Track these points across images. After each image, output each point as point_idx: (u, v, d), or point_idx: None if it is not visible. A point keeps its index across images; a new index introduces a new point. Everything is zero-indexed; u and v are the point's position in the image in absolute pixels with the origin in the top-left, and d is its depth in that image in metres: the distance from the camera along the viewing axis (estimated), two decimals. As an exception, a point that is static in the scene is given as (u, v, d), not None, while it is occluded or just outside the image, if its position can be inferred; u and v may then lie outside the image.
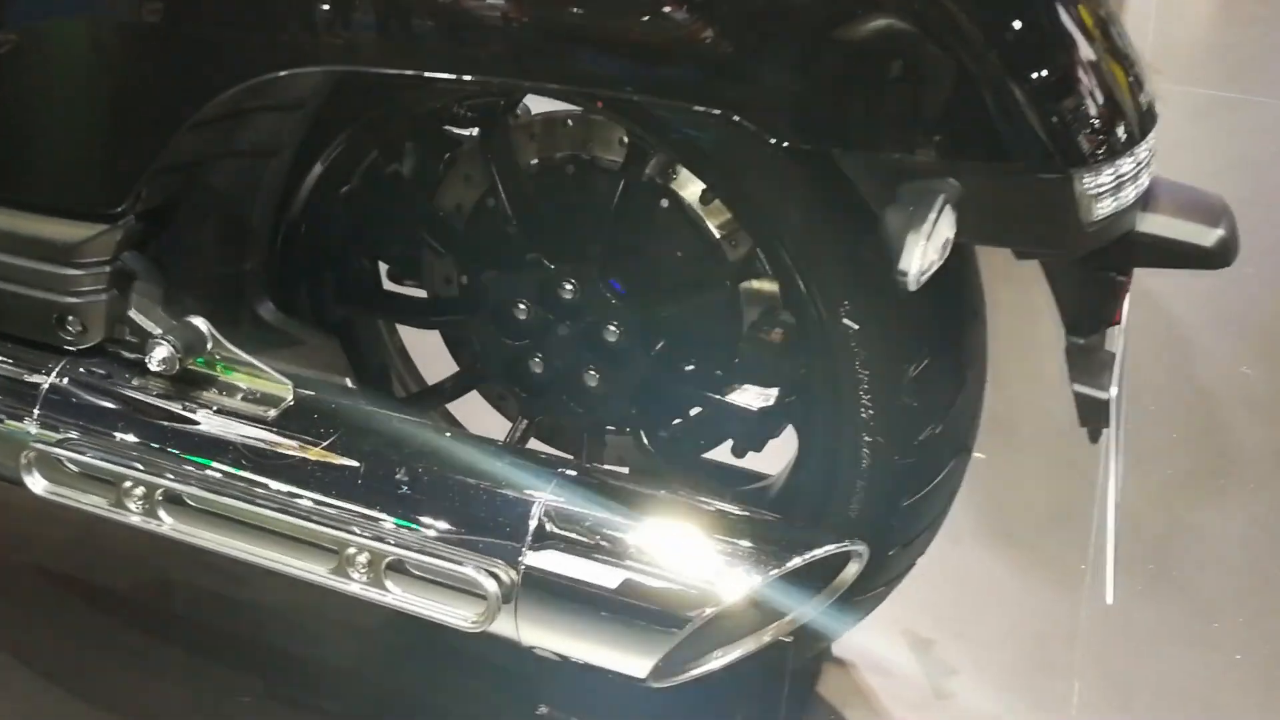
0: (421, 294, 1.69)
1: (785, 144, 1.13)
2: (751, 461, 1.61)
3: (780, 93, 1.10)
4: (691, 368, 1.55)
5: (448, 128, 1.63)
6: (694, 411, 1.60)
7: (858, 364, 1.31)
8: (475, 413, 1.74)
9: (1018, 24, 1.08)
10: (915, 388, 1.31)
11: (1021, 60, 1.08)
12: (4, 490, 1.38)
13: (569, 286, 1.52)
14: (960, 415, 1.37)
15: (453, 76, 1.18)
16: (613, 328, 1.53)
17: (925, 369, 1.30)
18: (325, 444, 1.25)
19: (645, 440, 1.57)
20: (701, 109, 1.14)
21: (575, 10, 1.11)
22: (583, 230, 1.52)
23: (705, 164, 1.30)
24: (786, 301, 1.35)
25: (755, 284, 1.50)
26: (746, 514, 1.22)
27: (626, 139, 1.50)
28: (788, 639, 1.35)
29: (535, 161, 1.56)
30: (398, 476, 1.23)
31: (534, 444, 1.68)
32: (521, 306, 1.56)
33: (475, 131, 1.58)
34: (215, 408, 1.30)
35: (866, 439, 1.34)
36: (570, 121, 1.54)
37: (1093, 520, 2.09)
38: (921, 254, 1.00)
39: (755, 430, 1.56)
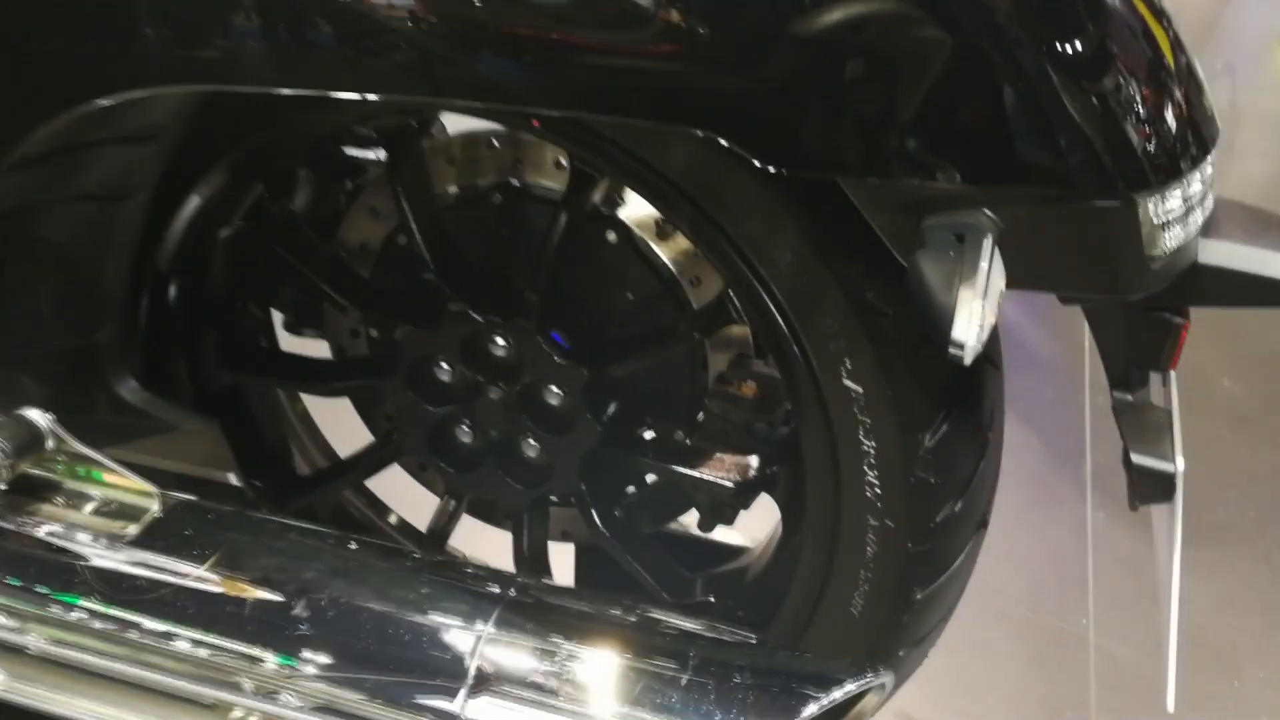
0: (324, 352, 1.42)
1: (779, 171, 0.89)
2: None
3: (773, 109, 0.86)
4: (649, 434, 1.31)
5: (349, 151, 1.36)
6: (651, 481, 1.35)
7: (862, 434, 1.07)
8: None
9: (1063, 22, 0.85)
10: (933, 460, 1.07)
11: (1070, 64, 0.85)
12: None
13: (500, 342, 1.27)
14: (981, 486, 1.14)
15: (351, 96, 0.91)
16: (554, 389, 1.27)
17: (944, 437, 1.07)
18: (203, 568, 0.98)
19: (596, 518, 1.32)
20: (676, 130, 0.90)
21: (512, 8, 0.85)
22: (515, 273, 1.26)
23: (670, 193, 1.04)
24: (775, 359, 1.11)
25: (722, 330, 1.27)
26: (736, 642, 0.97)
27: (565, 161, 1.25)
28: None
29: (454, 190, 1.30)
30: (296, 610, 0.96)
31: (467, 528, 1.43)
32: (444, 367, 1.30)
33: (381, 156, 1.32)
34: (59, 525, 1.02)
35: (873, 523, 1.11)
36: (496, 142, 1.28)
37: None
38: (979, 318, 0.76)
39: (725, 503, 1.32)
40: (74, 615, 0.99)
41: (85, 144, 1.00)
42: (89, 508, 1.04)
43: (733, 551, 1.44)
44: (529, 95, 0.89)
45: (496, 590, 0.97)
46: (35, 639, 0.99)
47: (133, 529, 1.02)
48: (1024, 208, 0.87)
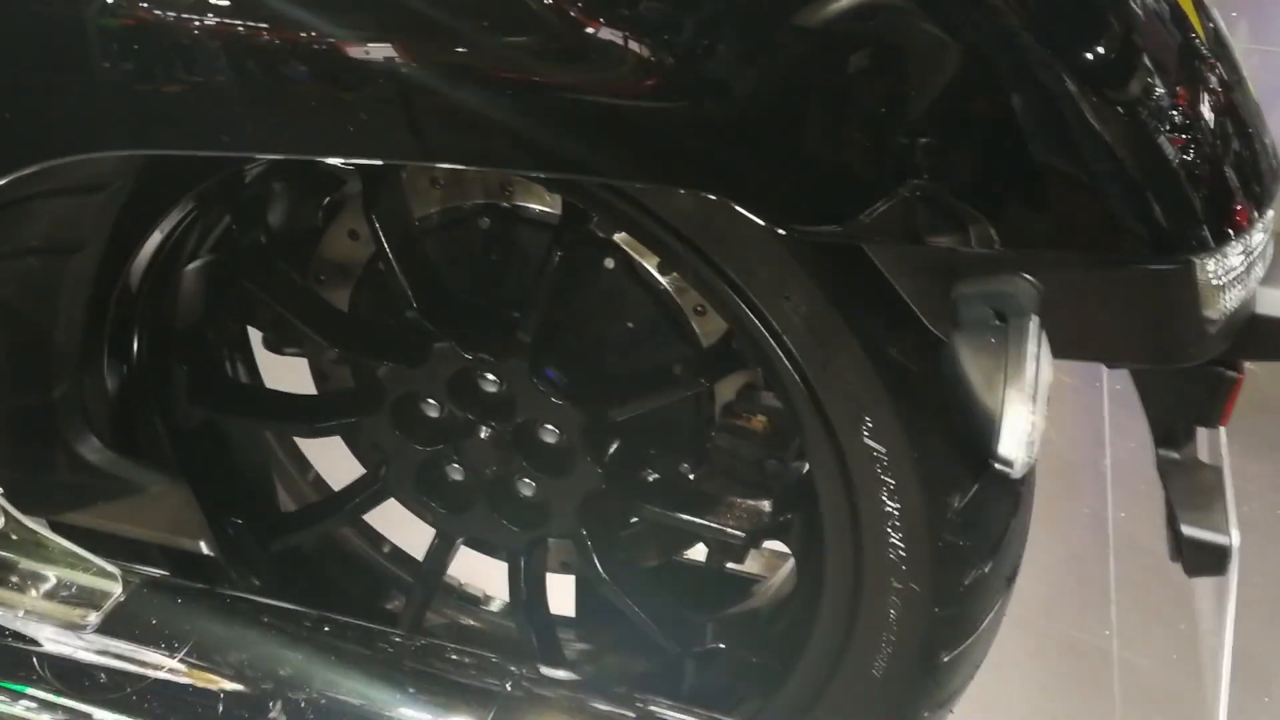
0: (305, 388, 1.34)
1: (795, 235, 0.79)
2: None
3: (786, 171, 0.76)
4: (652, 473, 1.22)
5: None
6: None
7: (885, 495, 0.99)
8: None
9: (1112, 70, 0.75)
10: (962, 522, 0.99)
11: (1120, 115, 0.75)
12: None
13: (491, 379, 1.18)
14: (1011, 544, 1.06)
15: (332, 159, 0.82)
16: (550, 428, 1.19)
17: (975, 497, 0.98)
18: (174, 661, 0.90)
19: (597, 564, 1.24)
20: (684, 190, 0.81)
21: (510, 71, 0.75)
22: (505, 303, 1.17)
23: (672, 243, 0.95)
24: (790, 416, 1.02)
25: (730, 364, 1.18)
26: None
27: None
28: None
29: (437, 213, 1.20)
30: (273, 712, 0.88)
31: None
32: (431, 404, 1.21)
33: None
34: (13, 614, 0.94)
35: (897, 586, 1.03)
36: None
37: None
38: (1029, 428, 0.67)
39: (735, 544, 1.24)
40: (27, 714, 0.91)
41: (28, 197, 0.90)
42: (45, 592, 0.96)
43: (740, 585, 1.36)
44: (526, 159, 0.80)
45: (493, 685, 0.89)
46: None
47: (93, 617, 0.94)
48: (1068, 272, 0.78)
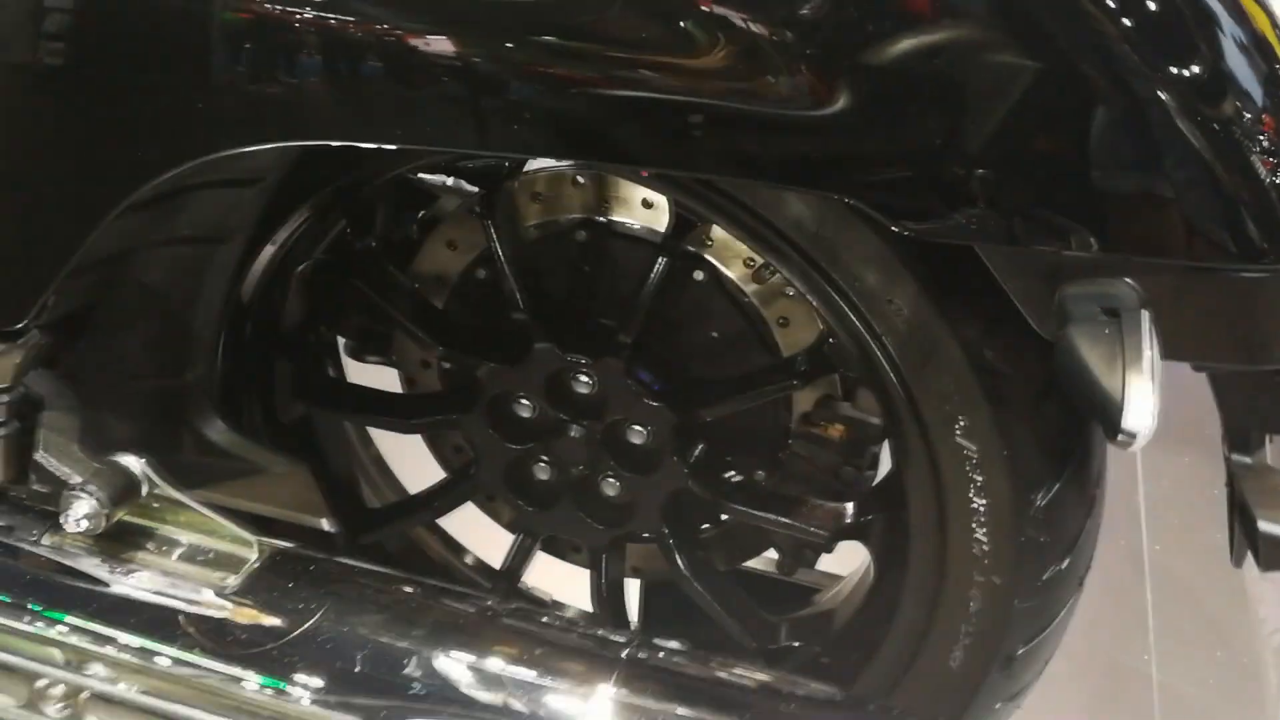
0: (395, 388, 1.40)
1: (912, 235, 0.86)
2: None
3: (915, 176, 0.83)
4: (734, 475, 1.28)
5: (429, 182, 1.34)
6: (726, 519, 1.33)
7: (973, 492, 1.05)
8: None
9: (1212, 90, 0.82)
10: (1043, 519, 1.05)
11: (1217, 131, 0.82)
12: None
13: (585, 380, 1.24)
14: (1085, 545, 1.12)
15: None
16: (639, 429, 1.25)
17: (1056, 496, 1.05)
18: (306, 625, 0.96)
19: (680, 561, 1.30)
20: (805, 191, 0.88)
21: (649, 73, 0.82)
22: (598, 310, 1.24)
23: (782, 246, 1.02)
24: (884, 415, 1.09)
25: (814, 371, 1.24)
26: (851, 705, 0.95)
27: (653, 200, 1.23)
28: None
29: (537, 226, 1.28)
30: (408, 667, 0.94)
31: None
32: (525, 403, 1.28)
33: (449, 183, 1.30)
34: (158, 573, 1.00)
35: (979, 579, 1.09)
36: (581, 179, 1.26)
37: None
38: (1153, 400, 0.74)
39: (806, 546, 1.30)
40: (174, 669, 0.97)
41: (193, 188, 0.97)
42: (188, 557, 1.02)
43: (804, 593, 1.42)
44: (663, 158, 0.87)
45: (613, 651, 0.95)
46: (132, 695, 0.97)
47: (232, 580, 1.00)
48: (1167, 277, 0.85)
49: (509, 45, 0.85)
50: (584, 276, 1.28)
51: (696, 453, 1.26)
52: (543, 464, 1.32)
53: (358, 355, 1.42)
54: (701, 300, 1.25)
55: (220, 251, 1.07)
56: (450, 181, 1.36)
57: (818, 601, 1.39)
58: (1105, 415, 0.76)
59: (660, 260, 1.20)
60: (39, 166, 0.93)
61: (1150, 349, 0.76)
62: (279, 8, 0.85)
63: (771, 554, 1.37)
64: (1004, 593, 1.09)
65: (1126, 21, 0.80)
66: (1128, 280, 0.85)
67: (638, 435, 1.26)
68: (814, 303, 1.07)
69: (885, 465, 1.23)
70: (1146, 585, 1.93)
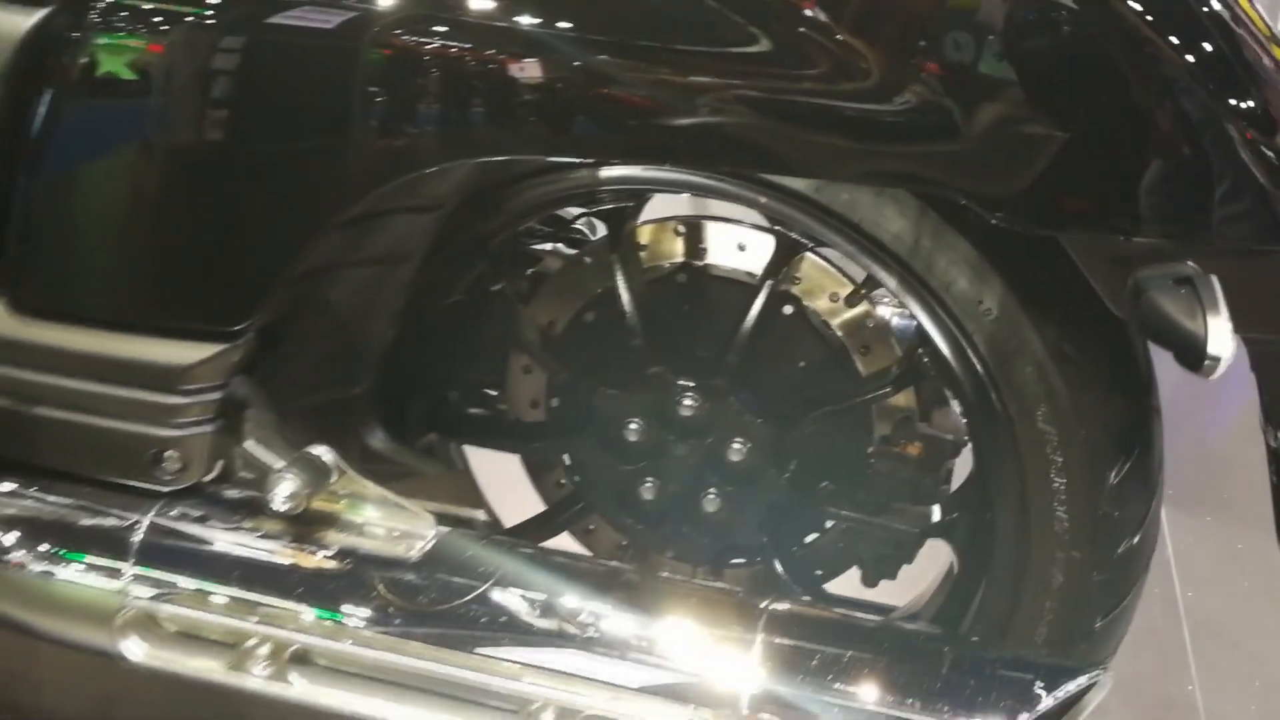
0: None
1: (1008, 226, 1.03)
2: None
3: (1011, 171, 1.00)
4: (826, 486, 1.43)
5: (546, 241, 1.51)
6: (826, 535, 1.47)
7: (1053, 472, 1.20)
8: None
9: (1262, 102, 1.00)
10: (1116, 496, 1.20)
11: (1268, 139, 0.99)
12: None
13: (692, 403, 1.39)
14: (1153, 524, 1.27)
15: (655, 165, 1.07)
16: (739, 446, 1.40)
17: (1127, 474, 1.20)
18: (485, 586, 1.09)
19: (780, 569, 1.43)
20: (923, 191, 1.05)
21: (810, 94, 1.00)
22: (700, 341, 1.40)
23: (883, 257, 1.20)
24: (971, 406, 1.24)
25: (891, 393, 1.40)
26: (971, 646, 1.08)
27: (744, 245, 1.41)
28: None
29: (645, 269, 1.45)
30: (579, 622, 1.07)
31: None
32: (635, 426, 1.43)
33: (583, 240, 1.47)
34: (348, 548, 1.13)
35: (1060, 555, 1.23)
36: (681, 228, 1.43)
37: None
38: (1230, 334, 0.91)
39: (893, 555, 1.44)
40: (368, 627, 1.09)
41: (385, 211, 1.14)
42: (373, 534, 1.15)
43: (880, 610, 1.54)
44: (787, 166, 1.05)
45: (755, 604, 1.08)
46: (336, 647, 1.09)
47: (414, 552, 1.13)
48: (1225, 258, 1.02)
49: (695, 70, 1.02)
50: (683, 313, 1.44)
51: (792, 467, 1.41)
52: (649, 484, 1.46)
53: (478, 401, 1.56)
54: (791, 331, 1.41)
55: (397, 273, 1.23)
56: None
57: (898, 610, 1.52)
58: (1191, 352, 0.93)
59: (761, 292, 1.36)
60: (266, 190, 1.10)
61: (1221, 297, 0.93)
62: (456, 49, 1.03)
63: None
64: (1084, 567, 1.23)
65: (1191, 57, 0.96)
66: (1189, 263, 1.02)
67: (738, 452, 1.41)
68: (910, 308, 1.23)
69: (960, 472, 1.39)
70: (1184, 626, 2.05)
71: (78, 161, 1.13)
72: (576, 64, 1.03)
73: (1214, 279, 0.96)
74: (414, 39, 1.04)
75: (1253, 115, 0.97)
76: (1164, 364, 1.10)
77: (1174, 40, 0.94)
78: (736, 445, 1.40)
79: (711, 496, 1.44)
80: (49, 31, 1.10)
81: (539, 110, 1.04)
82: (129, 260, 1.14)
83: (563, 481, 1.57)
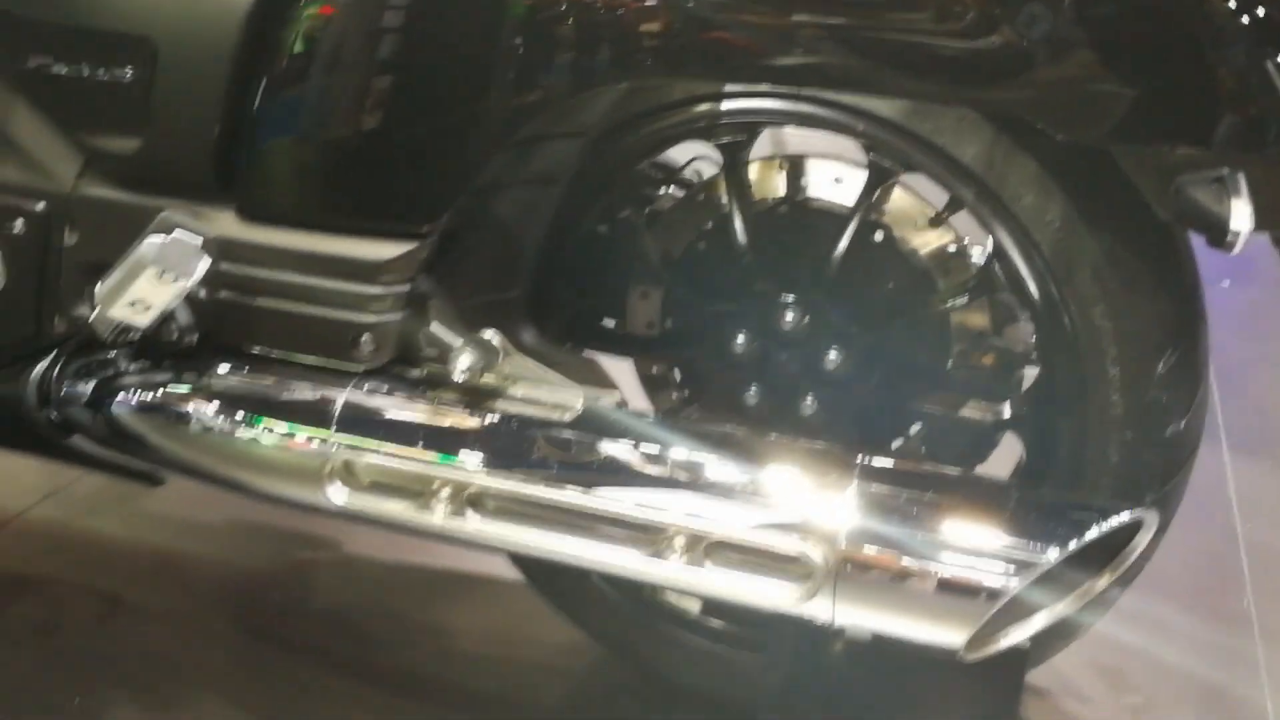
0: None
1: (1071, 141, 1.23)
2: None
3: (1078, 88, 1.19)
4: (914, 391, 1.63)
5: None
6: (910, 440, 1.67)
7: (1108, 362, 1.40)
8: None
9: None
10: (1165, 382, 1.39)
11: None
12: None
13: (791, 316, 1.60)
14: (1198, 412, 1.45)
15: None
16: (834, 355, 1.61)
17: (1174, 363, 1.39)
18: (628, 442, 1.32)
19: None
20: (996, 110, 1.26)
21: (895, 17, 1.21)
22: (806, 264, 1.61)
23: (963, 177, 1.41)
24: (1037, 307, 1.44)
25: (969, 303, 1.59)
26: (1035, 490, 1.29)
27: (840, 178, 1.62)
28: (1025, 645, 1.41)
29: (756, 201, 1.66)
30: (706, 466, 1.29)
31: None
32: (743, 339, 1.64)
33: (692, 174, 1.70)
34: (512, 414, 1.37)
35: (1114, 436, 1.42)
36: (786, 164, 1.65)
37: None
38: (1248, 211, 1.10)
39: (970, 454, 1.63)
40: (530, 474, 1.33)
41: (544, 136, 1.38)
42: (532, 403, 1.39)
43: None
44: (893, 86, 1.26)
45: (849, 458, 1.30)
46: (508, 487, 1.33)
47: (566, 417, 1.36)
48: (1260, 165, 1.21)
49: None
50: (791, 240, 1.65)
51: (881, 373, 1.62)
52: (752, 390, 1.67)
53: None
54: (881, 252, 1.62)
55: (547, 194, 1.47)
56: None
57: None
58: (1217, 229, 1.13)
59: (850, 222, 1.58)
60: (456, 114, 1.34)
61: (1244, 186, 1.13)
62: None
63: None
64: (1135, 447, 1.42)
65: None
66: (1226, 170, 1.21)
67: (833, 361, 1.62)
68: (984, 223, 1.44)
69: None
70: (1241, 552, 2.22)
71: (299, 92, 1.38)
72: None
73: (1240, 174, 1.16)
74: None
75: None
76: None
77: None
78: (832, 354, 1.61)
79: (809, 401, 1.65)
80: None
81: (675, 35, 1.26)
82: (340, 173, 1.39)
83: (675, 394, 1.79)
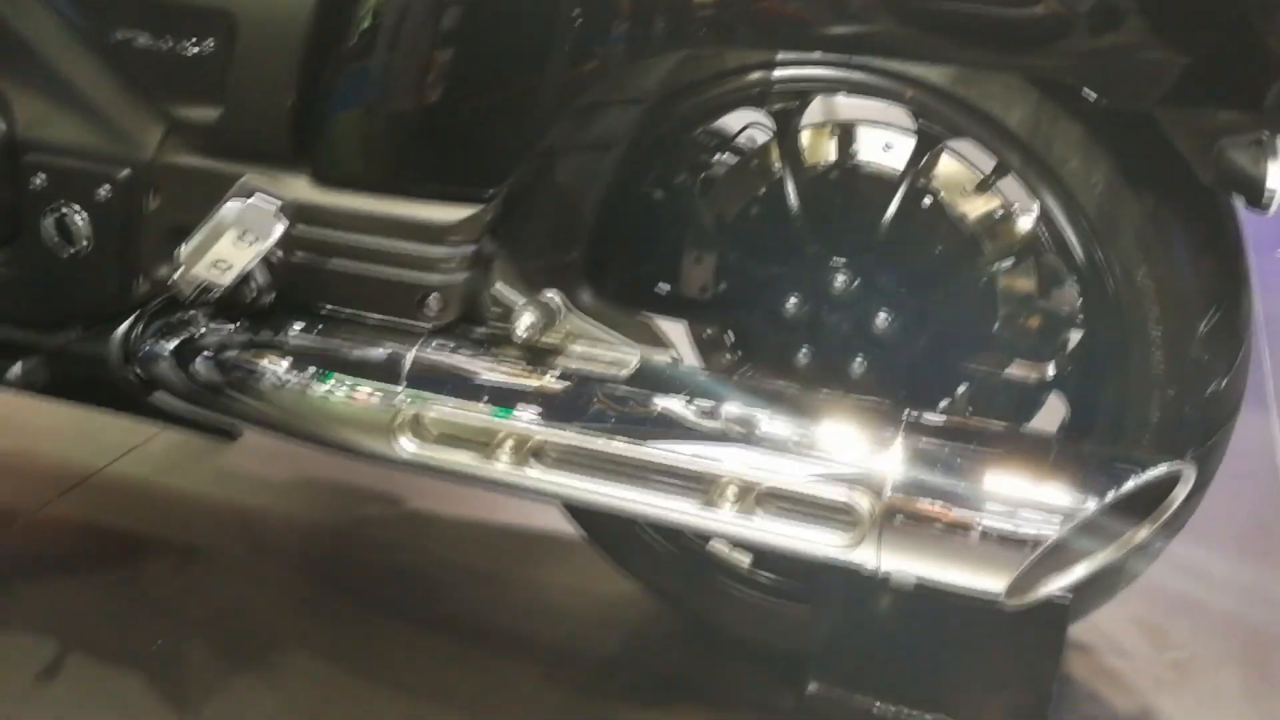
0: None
1: (1115, 105, 1.27)
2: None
3: (1126, 54, 1.22)
4: (962, 352, 1.67)
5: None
6: (957, 401, 1.71)
7: (1152, 322, 1.44)
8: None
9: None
10: (1207, 342, 1.43)
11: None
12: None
13: (842, 278, 1.65)
14: (1239, 371, 1.49)
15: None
16: (884, 316, 1.65)
17: (1216, 324, 1.43)
18: (682, 398, 1.38)
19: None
20: (1044, 75, 1.29)
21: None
22: (857, 229, 1.66)
23: (1010, 141, 1.45)
24: (1081, 269, 1.48)
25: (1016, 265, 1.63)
26: (1076, 444, 1.33)
27: (890, 145, 1.66)
28: (1067, 598, 1.46)
29: (808, 166, 1.71)
30: (757, 420, 1.35)
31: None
32: (795, 301, 1.69)
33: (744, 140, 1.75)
34: (571, 370, 1.43)
35: (1156, 394, 1.46)
36: (837, 130, 1.69)
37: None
38: (1280, 177, 1.14)
39: (1016, 414, 1.68)
40: (590, 427, 1.39)
41: (604, 102, 1.44)
42: (592, 360, 1.45)
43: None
44: (941, 53, 1.30)
45: (895, 414, 1.35)
46: (568, 440, 1.39)
47: (625, 373, 1.43)
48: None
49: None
50: (842, 205, 1.70)
51: (929, 333, 1.66)
52: (804, 350, 1.72)
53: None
54: (929, 217, 1.66)
55: (606, 159, 1.53)
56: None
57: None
58: (1254, 190, 1.17)
59: (899, 187, 1.62)
60: (521, 81, 1.40)
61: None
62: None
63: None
64: (1176, 403, 1.46)
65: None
66: (1267, 133, 1.25)
67: (883, 322, 1.66)
68: (1029, 187, 1.48)
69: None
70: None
71: (370, 64, 1.45)
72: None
73: (1279, 138, 1.19)
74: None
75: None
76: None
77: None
78: (881, 316, 1.66)
79: (858, 363, 1.70)
80: None
81: (729, 4, 1.31)
82: (410, 139, 1.46)
83: (728, 356, 1.84)
